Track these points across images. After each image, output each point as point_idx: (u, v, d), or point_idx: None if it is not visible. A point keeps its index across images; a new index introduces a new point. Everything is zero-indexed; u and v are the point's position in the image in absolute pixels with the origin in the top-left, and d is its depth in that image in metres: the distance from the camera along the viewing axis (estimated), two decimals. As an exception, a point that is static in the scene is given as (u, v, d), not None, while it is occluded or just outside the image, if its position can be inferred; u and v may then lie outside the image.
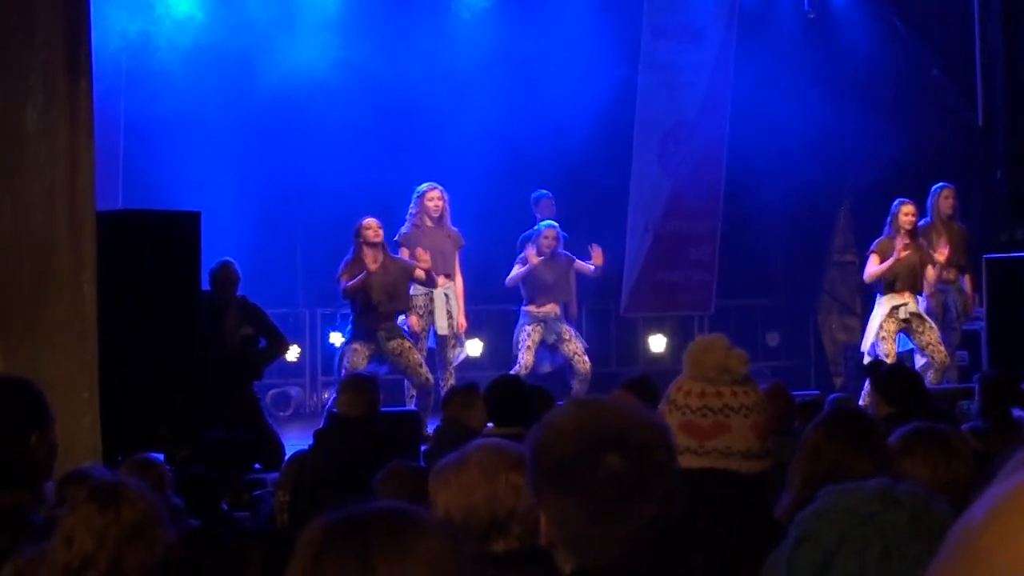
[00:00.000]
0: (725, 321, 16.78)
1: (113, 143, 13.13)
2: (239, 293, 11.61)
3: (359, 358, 12.39)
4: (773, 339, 16.93)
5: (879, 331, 13.27)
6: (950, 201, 13.73)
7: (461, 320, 13.15)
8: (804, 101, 15.79)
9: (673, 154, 15.85)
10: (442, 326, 12.98)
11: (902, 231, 13.28)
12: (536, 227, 13.68)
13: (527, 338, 13.48)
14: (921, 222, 13.67)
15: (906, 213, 13.36)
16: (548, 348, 13.64)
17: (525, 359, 13.37)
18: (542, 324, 13.55)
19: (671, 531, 2.65)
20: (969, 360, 14.36)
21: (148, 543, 3.66)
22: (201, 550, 3.87)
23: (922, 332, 13.30)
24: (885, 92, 16.03)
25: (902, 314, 13.23)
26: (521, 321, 13.61)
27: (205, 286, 11.00)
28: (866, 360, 13.35)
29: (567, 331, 13.64)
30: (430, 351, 13.12)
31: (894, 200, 13.60)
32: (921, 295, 13.45)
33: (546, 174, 15.05)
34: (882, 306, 13.34)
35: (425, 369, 12.57)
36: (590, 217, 15.52)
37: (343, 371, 12.15)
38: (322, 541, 1.94)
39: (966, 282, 13.86)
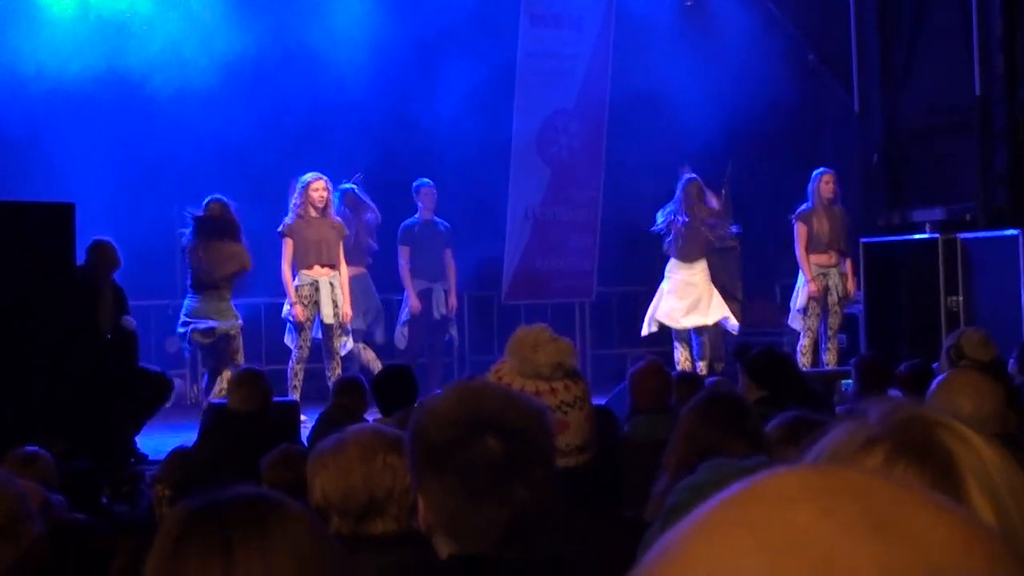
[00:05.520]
0: (606, 307, 16.88)
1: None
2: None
3: None
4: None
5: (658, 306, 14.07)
6: (831, 186, 13.91)
7: (346, 309, 13.11)
8: (683, 88, 15.88)
9: (552, 142, 15.89)
10: (327, 315, 12.94)
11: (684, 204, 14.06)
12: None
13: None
14: (803, 206, 13.86)
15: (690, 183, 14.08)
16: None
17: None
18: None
19: (546, 516, 2.65)
20: (848, 343, 14.53)
21: (15, 540, 3.60)
22: (66, 542, 3.82)
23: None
24: (762, 78, 16.15)
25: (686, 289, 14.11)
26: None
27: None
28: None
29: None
30: (315, 341, 13.08)
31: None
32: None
33: (428, 163, 15.05)
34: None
35: None
36: (472, 205, 15.54)
37: None
38: (182, 527, 1.93)
39: (847, 265, 14.02)
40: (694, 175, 14.26)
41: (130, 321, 11.71)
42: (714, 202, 14.38)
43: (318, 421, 8.91)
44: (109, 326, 11.31)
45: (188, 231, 12.64)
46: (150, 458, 10.15)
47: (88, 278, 11.20)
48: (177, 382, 14.70)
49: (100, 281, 11.38)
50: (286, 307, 13.10)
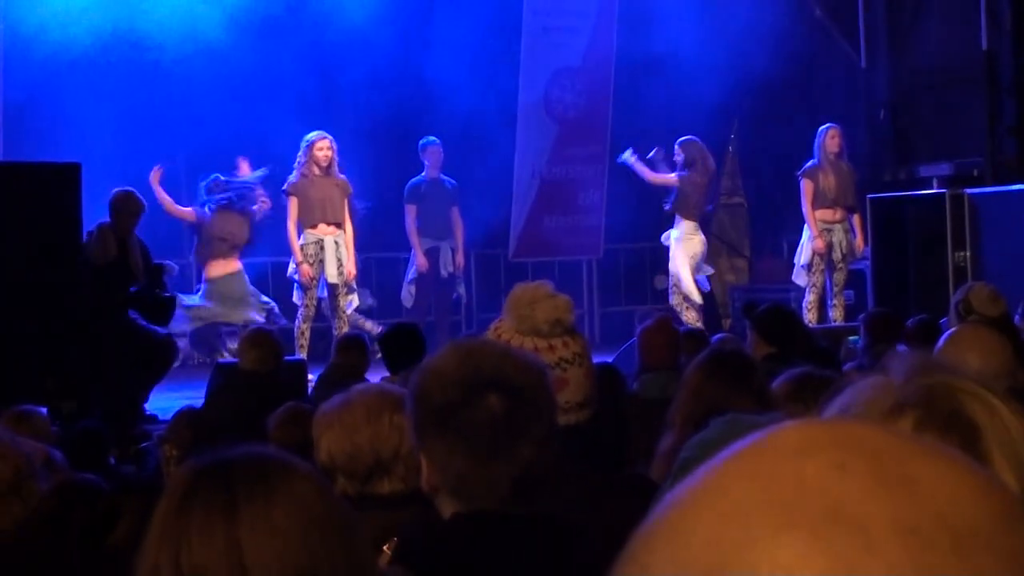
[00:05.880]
0: (614, 264, 16.86)
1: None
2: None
3: None
4: (661, 282, 16.97)
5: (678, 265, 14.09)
6: (836, 140, 13.90)
7: (351, 268, 13.11)
8: (690, 44, 15.81)
9: (559, 100, 15.85)
10: (332, 274, 12.94)
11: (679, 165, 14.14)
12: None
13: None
14: (809, 162, 13.84)
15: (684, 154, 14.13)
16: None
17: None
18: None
19: (548, 473, 2.65)
20: (855, 299, 14.51)
21: (23, 498, 3.60)
22: (73, 501, 3.82)
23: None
24: (769, 33, 16.09)
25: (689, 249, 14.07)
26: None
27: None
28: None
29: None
30: (320, 300, 13.10)
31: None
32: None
33: (434, 121, 15.01)
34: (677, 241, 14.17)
35: None
36: (479, 163, 15.50)
37: None
38: (187, 485, 1.93)
39: (854, 221, 13.99)
40: (693, 136, 14.24)
41: (172, 267, 11.84)
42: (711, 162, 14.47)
43: (319, 380, 8.91)
44: (140, 276, 11.32)
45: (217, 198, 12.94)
46: (159, 419, 10.16)
47: (116, 231, 11.23)
48: (183, 343, 14.74)
49: (128, 232, 11.39)
50: (291, 266, 13.11)
